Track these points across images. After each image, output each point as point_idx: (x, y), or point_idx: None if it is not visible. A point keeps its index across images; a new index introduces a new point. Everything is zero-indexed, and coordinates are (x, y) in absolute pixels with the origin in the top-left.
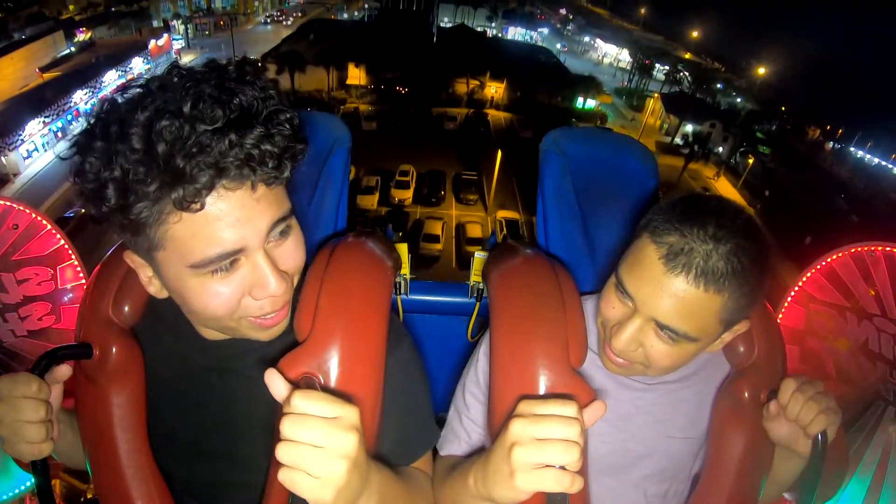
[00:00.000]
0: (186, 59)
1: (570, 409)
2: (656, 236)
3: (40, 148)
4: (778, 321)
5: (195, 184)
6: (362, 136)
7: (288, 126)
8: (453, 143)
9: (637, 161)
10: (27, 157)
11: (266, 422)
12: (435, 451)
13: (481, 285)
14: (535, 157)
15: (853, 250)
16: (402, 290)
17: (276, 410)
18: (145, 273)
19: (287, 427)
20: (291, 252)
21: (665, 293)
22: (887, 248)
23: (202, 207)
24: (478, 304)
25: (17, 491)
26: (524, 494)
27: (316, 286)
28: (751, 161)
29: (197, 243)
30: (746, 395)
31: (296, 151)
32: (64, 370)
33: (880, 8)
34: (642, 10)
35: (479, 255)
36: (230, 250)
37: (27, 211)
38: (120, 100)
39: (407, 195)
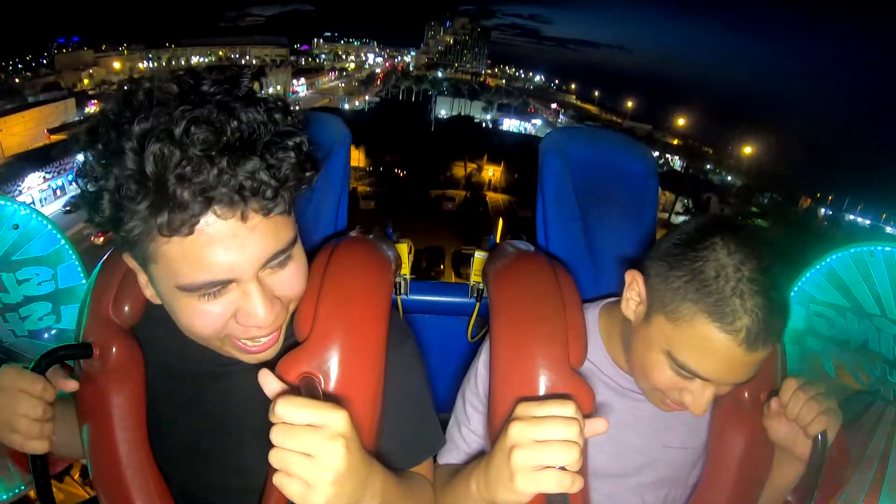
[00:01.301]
0: None
1: (568, 409)
2: (722, 321)
3: (38, 202)
4: None
5: (183, 211)
6: (360, 215)
7: (294, 154)
8: (452, 222)
9: (637, 161)
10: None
11: (264, 424)
12: (434, 459)
13: (481, 285)
14: (534, 233)
15: (853, 250)
16: (402, 290)
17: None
18: (142, 277)
19: (275, 435)
20: (289, 280)
21: (746, 365)
22: (887, 248)
23: (191, 233)
24: (478, 304)
25: (17, 490)
26: (526, 497)
27: (316, 286)
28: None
29: (185, 267)
30: (746, 395)
31: (301, 180)
32: (71, 385)
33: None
34: (629, 104)
35: (479, 255)
36: (219, 279)
37: (27, 211)
38: (121, 103)
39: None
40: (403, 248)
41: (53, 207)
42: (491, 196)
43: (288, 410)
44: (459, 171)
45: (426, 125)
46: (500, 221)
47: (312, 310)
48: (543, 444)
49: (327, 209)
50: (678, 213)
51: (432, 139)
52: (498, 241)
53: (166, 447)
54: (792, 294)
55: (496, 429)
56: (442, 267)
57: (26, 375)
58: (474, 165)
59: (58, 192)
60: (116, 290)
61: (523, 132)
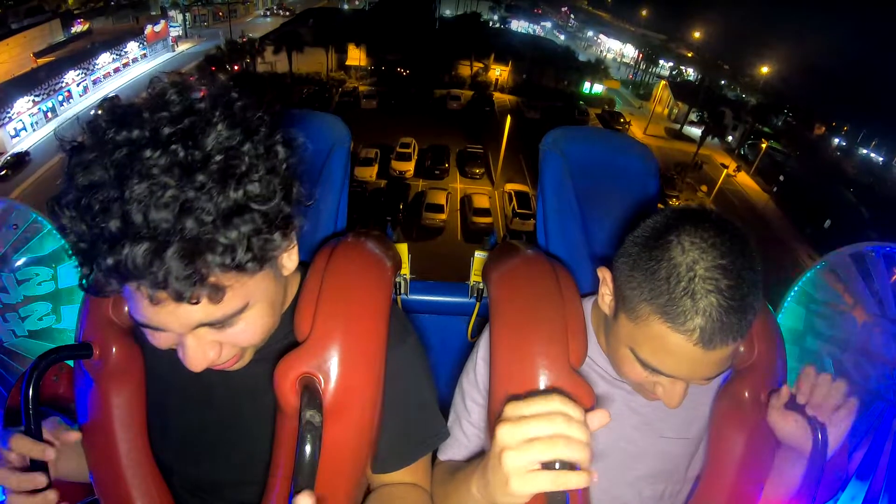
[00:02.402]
0: (184, 48)
1: (551, 404)
2: (674, 322)
3: (29, 127)
4: (778, 321)
5: (104, 279)
6: (361, 114)
7: (238, 237)
8: (457, 121)
9: (637, 161)
10: (14, 136)
11: (266, 421)
12: (434, 456)
13: (481, 285)
14: (541, 136)
15: (853, 250)
16: (402, 290)
17: (275, 409)
18: None
19: None
20: (239, 334)
21: (709, 363)
22: (887, 248)
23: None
24: (478, 304)
25: None
26: (524, 498)
27: (316, 286)
28: (764, 145)
29: (129, 303)
30: (746, 395)
31: (244, 267)
32: (73, 436)
33: (882, 10)
34: (643, 12)
35: (479, 255)
36: (152, 325)
37: (27, 211)
38: (77, 141)
39: (408, 167)
40: (403, 248)
41: (46, 130)
42: (498, 96)
43: None
44: (465, 70)
45: (430, 23)
46: (508, 119)
47: (312, 310)
48: (534, 443)
49: (327, 209)
50: (692, 123)
51: (437, 38)
52: (505, 138)
53: (167, 445)
54: (791, 293)
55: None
56: (447, 165)
57: (16, 438)
58: (480, 65)
59: (48, 114)
60: None
61: (532, 34)
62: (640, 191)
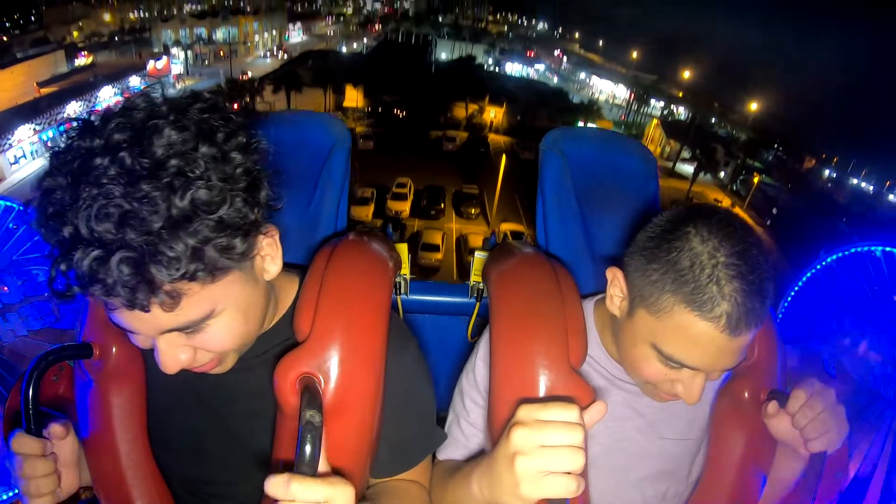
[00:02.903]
0: (185, 85)
1: (572, 413)
2: (701, 310)
3: (28, 155)
4: (777, 321)
5: (73, 284)
6: (358, 154)
7: (189, 247)
8: (453, 162)
9: (637, 161)
10: (14, 163)
11: (266, 421)
12: (433, 456)
13: (481, 285)
14: (535, 176)
15: (853, 250)
16: (402, 290)
17: (275, 409)
18: None
19: None
20: (211, 339)
21: (731, 351)
22: (887, 249)
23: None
24: (478, 304)
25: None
26: (530, 502)
27: (316, 286)
28: (756, 179)
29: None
30: (746, 395)
31: (194, 277)
32: (57, 431)
33: (866, 42)
34: (634, 54)
35: (479, 255)
36: (123, 327)
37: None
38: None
39: (404, 207)
40: (403, 249)
41: (45, 159)
42: (493, 137)
43: (299, 489)
44: (460, 112)
45: (426, 67)
46: (503, 158)
47: (312, 310)
48: (549, 451)
49: (327, 209)
50: (684, 160)
51: (432, 80)
52: (500, 178)
53: (167, 445)
54: (791, 294)
55: (497, 430)
56: (442, 206)
57: (16, 438)
58: (476, 107)
59: (48, 143)
60: None
61: (526, 77)
62: (640, 191)
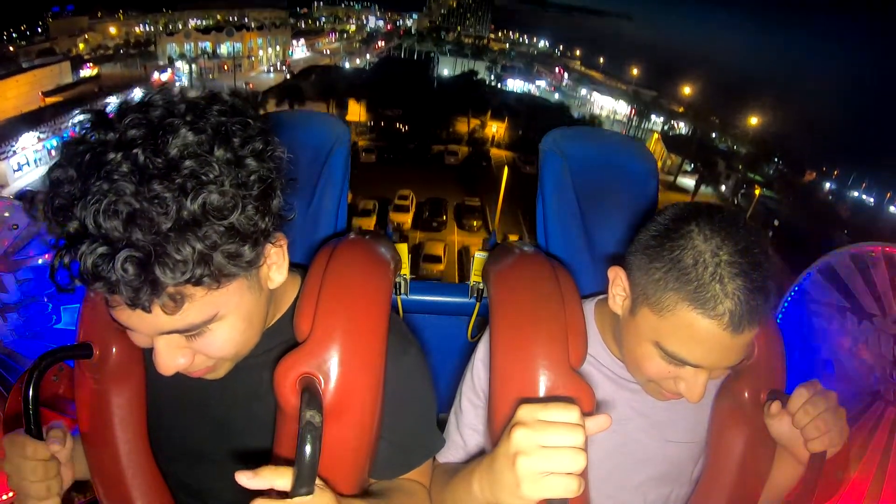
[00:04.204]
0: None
1: (573, 414)
2: (704, 308)
3: (32, 163)
4: (777, 321)
5: (76, 276)
6: (360, 168)
7: (197, 249)
8: (455, 176)
9: (637, 161)
10: (17, 170)
11: (266, 422)
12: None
13: (481, 285)
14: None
15: (853, 250)
16: (402, 290)
17: (275, 410)
18: None
19: None
20: (210, 344)
21: (734, 348)
22: (887, 249)
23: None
24: (478, 304)
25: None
26: (531, 502)
27: (316, 286)
28: (757, 192)
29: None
30: (746, 395)
31: (200, 282)
32: (56, 434)
33: (865, 56)
34: (634, 71)
35: (479, 255)
36: (122, 325)
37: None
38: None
39: (406, 218)
40: (403, 249)
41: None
42: (494, 152)
43: None
44: (462, 126)
45: (429, 82)
46: (506, 170)
47: (312, 310)
48: (550, 451)
49: (327, 209)
50: (685, 173)
51: (435, 95)
52: (503, 190)
53: (166, 446)
54: (791, 294)
55: (497, 430)
56: (444, 218)
57: (17, 442)
58: (478, 122)
59: (52, 152)
60: None
61: (527, 92)
62: (640, 191)
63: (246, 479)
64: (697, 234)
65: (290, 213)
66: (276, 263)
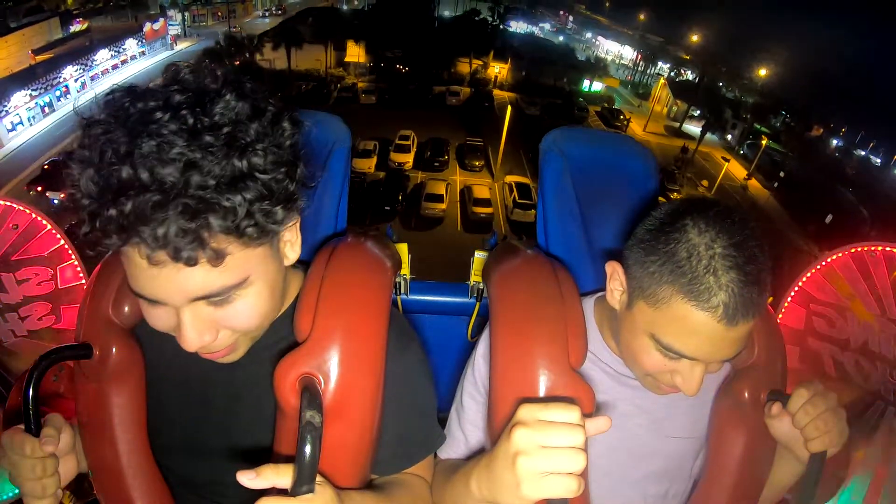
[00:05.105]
0: (182, 46)
1: (573, 414)
2: (698, 300)
3: (25, 122)
4: (778, 321)
5: (107, 237)
6: (360, 109)
7: (244, 202)
8: (457, 116)
9: (637, 161)
10: (11, 130)
11: (267, 419)
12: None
13: (481, 285)
14: (541, 132)
15: (853, 250)
16: (402, 290)
17: (275, 410)
18: None
19: None
20: (234, 317)
21: (729, 341)
22: (887, 248)
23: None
24: (478, 304)
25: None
26: (530, 502)
27: (316, 286)
28: (764, 143)
29: (128, 271)
30: (746, 395)
31: (257, 226)
32: (57, 420)
33: (879, 14)
34: (641, 16)
35: (479, 255)
36: (149, 297)
37: (27, 211)
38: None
39: (407, 158)
40: (403, 248)
41: (43, 125)
42: (497, 93)
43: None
44: (464, 67)
45: (429, 22)
46: (509, 110)
47: (312, 310)
48: (550, 451)
49: (327, 209)
50: (691, 118)
51: (436, 36)
52: (505, 130)
53: (166, 445)
54: (792, 293)
55: (497, 429)
56: (446, 157)
57: (16, 441)
58: (479, 62)
59: (45, 109)
60: (116, 290)
61: (531, 34)
62: (640, 191)
63: (247, 479)
64: (692, 228)
65: (311, 181)
66: (290, 241)
